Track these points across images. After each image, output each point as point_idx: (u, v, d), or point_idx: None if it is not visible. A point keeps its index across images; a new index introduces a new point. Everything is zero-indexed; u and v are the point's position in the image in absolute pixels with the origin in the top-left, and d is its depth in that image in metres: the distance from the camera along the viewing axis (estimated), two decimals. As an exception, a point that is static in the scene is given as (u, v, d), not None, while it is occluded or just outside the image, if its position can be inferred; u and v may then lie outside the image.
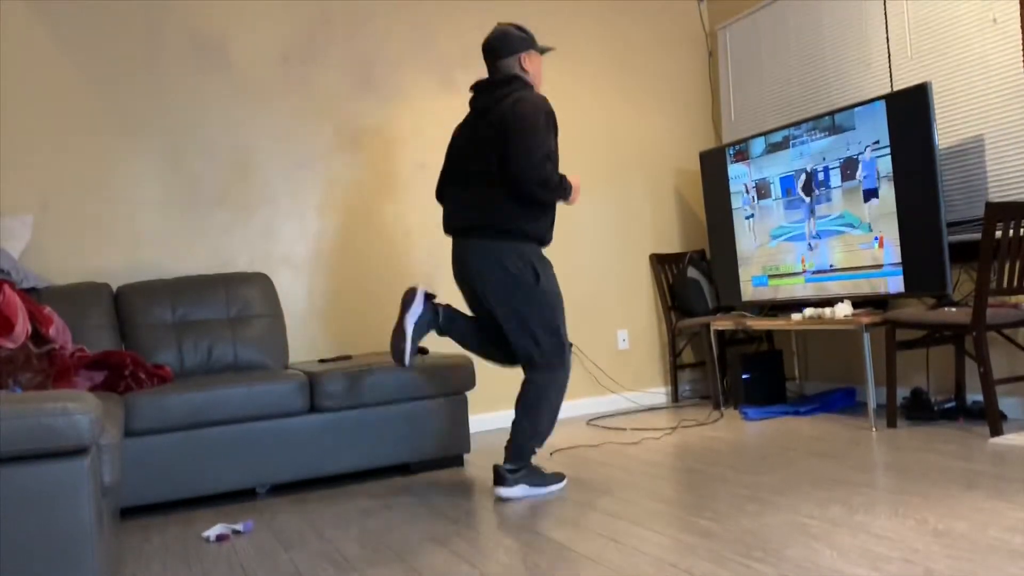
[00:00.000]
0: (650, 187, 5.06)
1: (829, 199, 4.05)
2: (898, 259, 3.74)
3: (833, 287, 4.08)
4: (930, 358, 4.02)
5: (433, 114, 4.52)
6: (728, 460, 3.29)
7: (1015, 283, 3.29)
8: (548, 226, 3.09)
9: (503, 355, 3.18)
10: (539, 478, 3.05)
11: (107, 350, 3.28)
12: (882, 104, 3.76)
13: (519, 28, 3.13)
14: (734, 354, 4.54)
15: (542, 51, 3.18)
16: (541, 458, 3.61)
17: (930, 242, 3.59)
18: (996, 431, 3.25)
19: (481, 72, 4.59)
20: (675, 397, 4.95)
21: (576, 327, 4.80)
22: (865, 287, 3.91)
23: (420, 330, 3.04)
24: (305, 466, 3.34)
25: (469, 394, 4.43)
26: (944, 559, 2.00)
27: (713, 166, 4.75)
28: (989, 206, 3.17)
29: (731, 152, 4.61)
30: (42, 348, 2.93)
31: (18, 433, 1.85)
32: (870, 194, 3.85)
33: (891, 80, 4.04)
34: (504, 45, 3.09)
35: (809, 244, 4.19)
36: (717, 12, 5.17)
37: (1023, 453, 2.98)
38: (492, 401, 4.53)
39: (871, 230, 3.86)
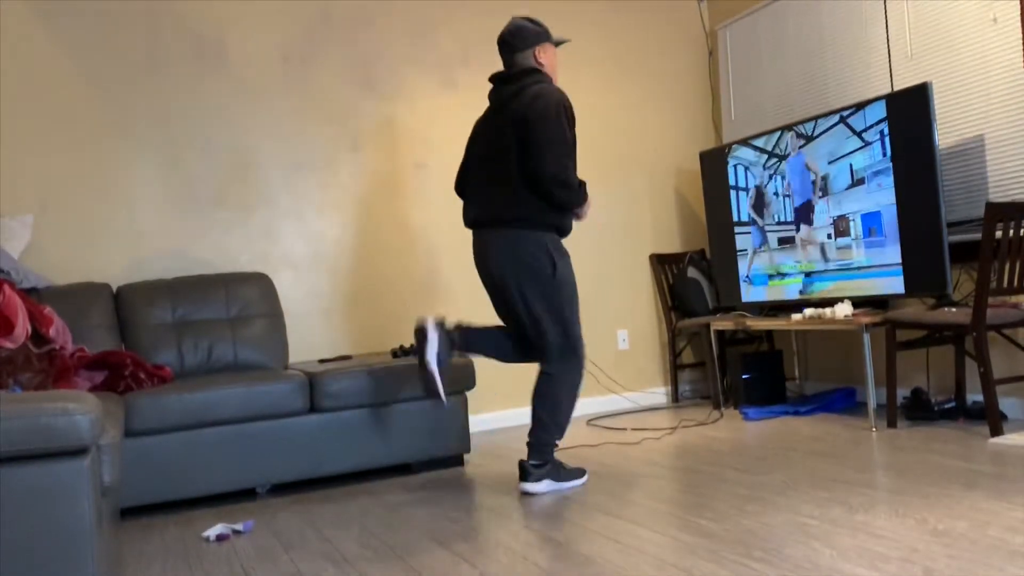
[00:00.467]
0: (650, 187, 5.06)
1: (829, 199, 4.05)
2: (898, 259, 3.74)
3: (833, 287, 4.08)
4: (930, 358, 4.02)
5: (433, 114, 4.52)
6: (728, 460, 3.29)
7: (1015, 283, 3.29)
8: (567, 215, 3.12)
9: (524, 353, 3.21)
10: (563, 473, 3.08)
11: (107, 350, 3.28)
12: (882, 104, 3.76)
13: (533, 21, 3.16)
14: (734, 354, 4.54)
15: (557, 43, 3.22)
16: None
17: (930, 242, 3.59)
18: (996, 431, 3.25)
19: (481, 71, 4.60)
20: (675, 397, 4.95)
21: (576, 327, 4.79)
22: (865, 287, 3.91)
23: (444, 362, 3.06)
24: (305, 466, 3.34)
25: (469, 394, 4.43)
26: (944, 559, 2.00)
27: (713, 166, 4.75)
28: (989, 206, 3.17)
29: (731, 152, 4.61)
30: (42, 348, 2.93)
31: (18, 433, 1.85)
32: (870, 194, 3.85)
33: (891, 80, 4.04)
34: (519, 39, 3.12)
35: (809, 244, 4.19)
36: (717, 12, 5.17)
37: (1023, 453, 2.98)
38: (492, 401, 4.54)
39: (871, 230, 3.86)
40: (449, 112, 4.52)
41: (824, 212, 4.08)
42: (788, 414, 4.20)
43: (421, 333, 3.05)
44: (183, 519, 3.05)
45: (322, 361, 3.88)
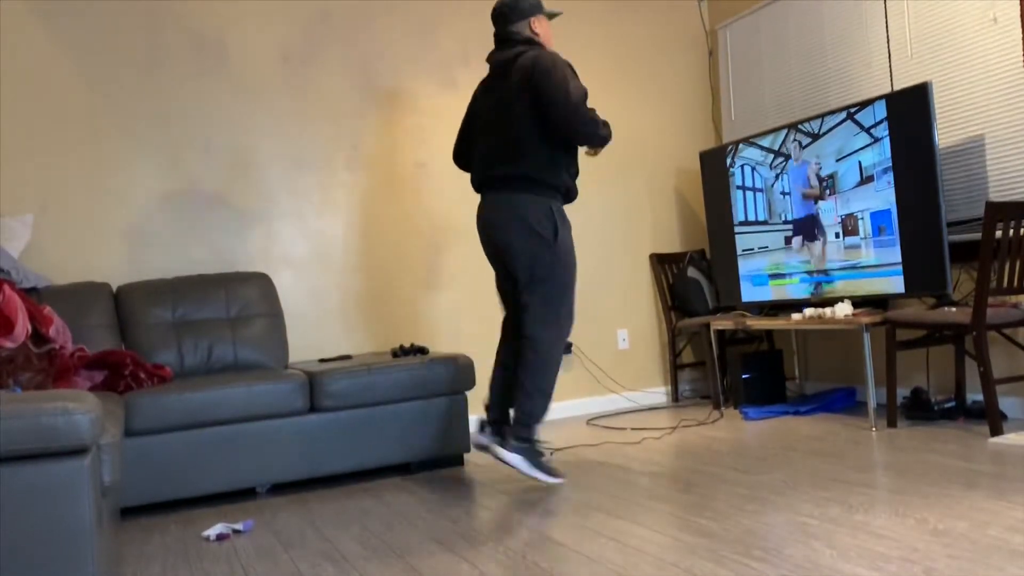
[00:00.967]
0: (650, 187, 5.06)
1: (830, 198, 4.05)
2: (898, 259, 3.74)
3: (833, 287, 4.07)
4: (930, 358, 4.02)
5: (433, 114, 4.52)
6: (728, 460, 3.29)
7: (1015, 283, 3.29)
8: (572, 179, 3.17)
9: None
10: (542, 462, 3.09)
11: (107, 350, 3.28)
12: (882, 104, 3.76)
13: None
14: (734, 354, 4.54)
15: (550, 16, 3.27)
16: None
17: (930, 242, 3.59)
18: (996, 431, 3.25)
19: (481, 71, 4.58)
20: (675, 397, 4.95)
21: (576, 327, 4.79)
22: (865, 287, 3.91)
23: (535, 458, 3.06)
24: (305, 466, 3.34)
25: (469, 394, 4.42)
26: (944, 558, 2.00)
27: (713, 166, 4.75)
28: (989, 206, 3.17)
29: (732, 151, 4.61)
30: (42, 348, 2.93)
31: (18, 433, 1.85)
32: (870, 193, 3.85)
33: (891, 80, 4.04)
34: (514, 10, 3.19)
35: (809, 244, 4.19)
36: (717, 12, 5.16)
37: (1023, 453, 2.98)
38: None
39: (880, 228, 3.86)
40: (449, 112, 4.52)
41: (831, 211, 4.07)
42: (788, 414, 4.20)
43: (501, 460, 3.04)
44: (183, 519, 3.05)
45: (322, 361, 3.88)
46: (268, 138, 4.19)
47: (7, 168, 3.75)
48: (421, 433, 3.52)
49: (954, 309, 3.46)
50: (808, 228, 4.18)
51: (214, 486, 3.21)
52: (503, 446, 3.03)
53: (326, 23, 4.34)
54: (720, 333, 4.71)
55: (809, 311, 3.93)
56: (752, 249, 4.52)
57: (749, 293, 4.59)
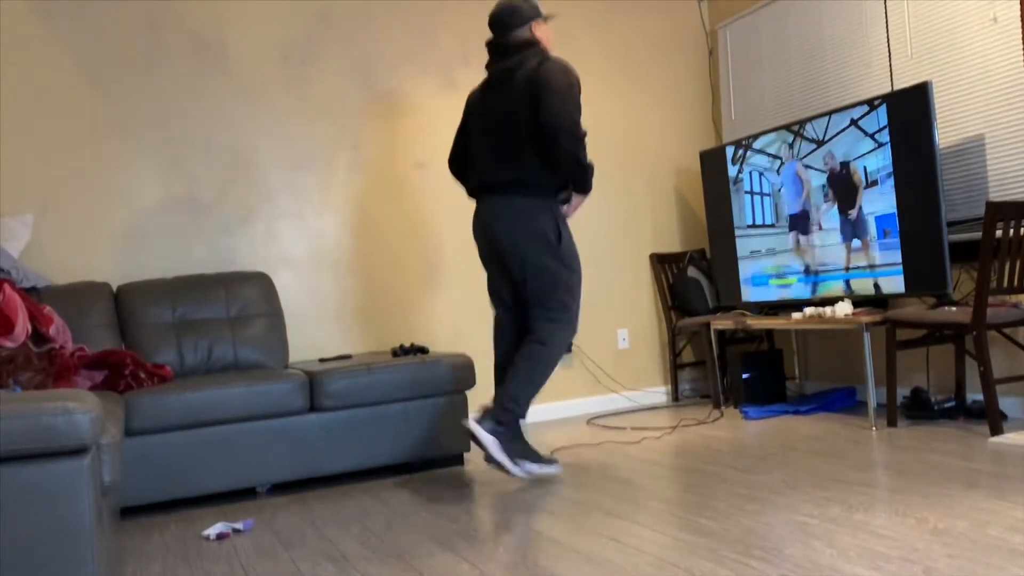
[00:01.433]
0: (650, 187, 5.06)
1: (830, 198, 4.05)
2: (898, 259, 3.74)
3: (833, 286, 4.07)
4: (930, 357, 4.02)
5: (433, 114, 4.52)
6: (728, 459, 3.29)
7: (1015, 283, 3.29)
8: (565, 186, 3.17)
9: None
10: (514, 447, 3.07)
11: (107, 349, 3.28)
12: (882, 104, 3.76)
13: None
14: (734, 353, 4.54)
15: (547, 19, 3.26)
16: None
17: (930, 242, 3.59)
18: (996, 430, 3.25)
19: (481, 71, 4.57)
20: (675, 396, 4.95)
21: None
22: (865, 287, 3.91)
23: (510, 446, 3.04)
24: (305, 466, 3.34)
25: (469, 393, 4.42)
26: (944, 558, 2.00)
27: (713, 166, 4.75)
28: (989, 206, 3.17)
29: (731, 151, 4.61)
30: (42, 348, 2.93)
31: (18, 433, 1.85)
32: (870, 193, 3.85)
33: (891, 80, 4.04)
34: (515, 16, 3.17)
35: (810, 243, 4.19)
36: (717, 12, 5.16)
37: (1023, 452, 2.98)
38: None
39: (885, 231, 3.86)
40: (449, 112, 4.52)
41: (824, 210, 4.07)
42: (788, 413, 4.20)
43: (472, 438, 3.02)
44: (183, 518, 3.05)
45: (322, 361, 3.88)
46: (268, 138, 4.19)
47: (7, 168, 3.75)
48: (421, 433, 3.52)
49: (954, 309, 3.46)
50: (803, 225, 4.18)
51: (214, 486, 3.21)
52: (480, 423, 3.01)
53: (326, 23, 4.34)
54: (720, 333, 4.71)
55: (809, 311, 3.93)
56: (760, 251, 4.52)
57: (749, 293, 4.59)
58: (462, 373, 3.58)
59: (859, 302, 4.01)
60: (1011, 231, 3.23)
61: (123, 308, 3.64)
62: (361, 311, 4.32)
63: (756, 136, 4.43)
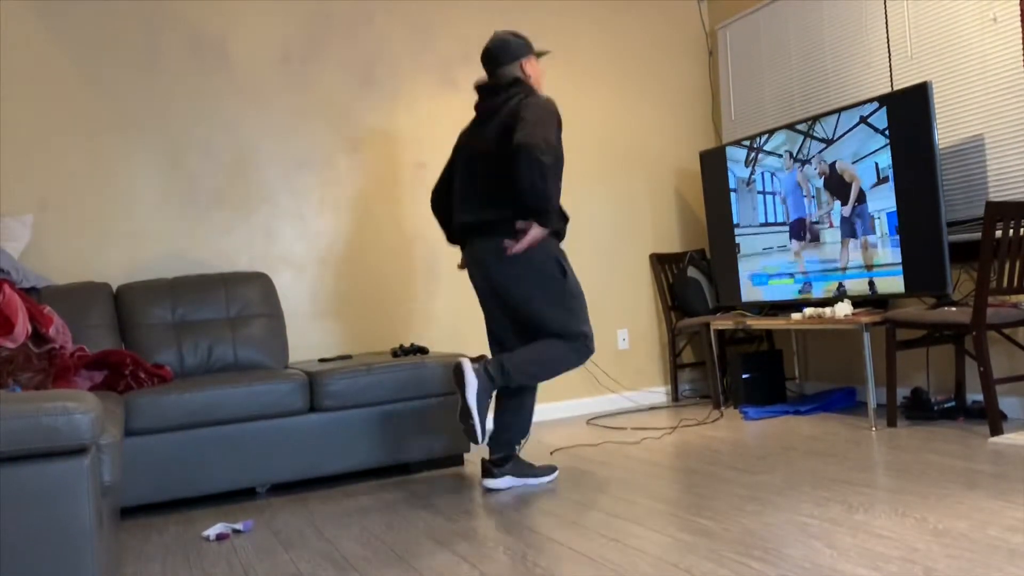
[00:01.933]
0: (650, 187, 5.06)
1: (830, 198, 4.05)
2: (898, 259, 3.74)
3: (833, 287, 4.07)
4: (930, 358, 4.02)
5: (433, 114, 4.52)
6: (728, 460, 3.29)
7: (1015, 283, 3.29)
8: (563, 219, 3.13)
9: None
10: (526, 468, 3.12)
11: (107, 350, 3.28)
12: (873, 107, 3.76)
13: (516, 35, 3.18)
14: (734, 354, 4.54)
15: (538, 55, 3.23)
16: (541, 457, 3.61)
17: (930, 242, 3.59)
18: (996, 431, 3.25)
19: (481, 71, 4.59)
20: (675, 397, 4.95)
21: (576, 327, 4.80)
22: (865, 287, 3.91)
23: (483, 401, 3.00)
24: (305, 466, 3.34)
25: (469, 394, 4.42)
26: (944, 558, 2.00)
27: (713, 166, 4.75)
28: (989, 206, 3.17)
29: (731, 152, 4.61)
30: (42, 348, 2.93)
31: (18, 433, 1.85)
32: (870, 193, 3.85)
33: (891, 80, 4.04)
34: (505, 52, 3.14)
35: (809, 243, 4.19)
36: (717, 12, 5.17)
37: (1023, 453, 2.98)
38: (492, 401, 4.53)
39: (871, 230, 3.86)
40: (449, 112, 4.52)
41: (824, 211, 4.07)
42: (788, 414, 4.20)
43: (459, 373, 2.99)
44: (183, 519, 3.05)
45: (322, 361, 3.88)
46: (268, 138, 4.19)
47: (7, 168, 3.75)
48: (421, 433, 3.52)
49: (954, 309, 3.46)
50: (801, 229, 4.18)
51: (214, 486, 3.21)
52: (488, 476, 3.07)
53: (326, 23, 4.34)
54: (720, 333, 4.71)
55: (809, 311, 3.93)
56: (773, 248, 4.51)
57: (749, 293, 4.59)
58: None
59: (859, 302, 4.01)
60: (1011, 231, 3.23)
61: (123, 308, 3.64)
62: (361, 311, 4.32)
63: (771, 132, 4.43)
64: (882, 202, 3.81)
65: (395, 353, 3.79)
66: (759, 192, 4.51)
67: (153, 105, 4.00)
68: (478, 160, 3.10)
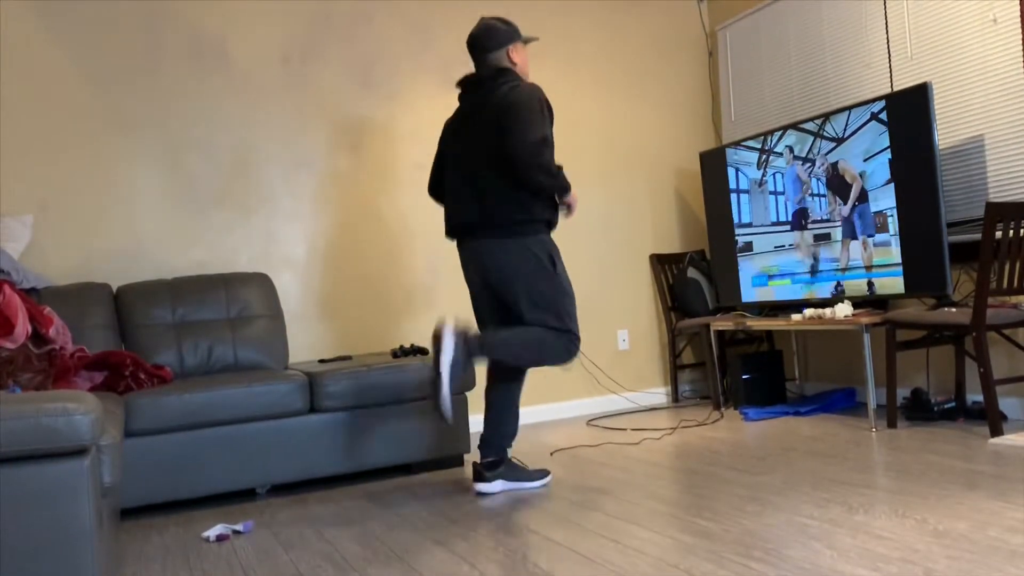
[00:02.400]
0: (650, 187, 5.06)
1: (829, 198, 4.05)
2: (898, 259, 3.74)
3: (833, 287, 4.07)
4: (930, 358, 4.02)
5: (433, 114, 4.52)
6: (728, 460, 3.29)
7: (1015, 283, 3.29)
8: (554, 208, 3.09)
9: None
10: (519, 472, 3.10)
11: (107, 350, 3.28)
12: (882, 104, 3.76)
13: (503, 21, 3.13)
14: (734, 354, 4.54)
15: (525, 41, 3.19)
16: (541, 458, 3.61)
17: (930, 242, 3.59)
18: (996, 431, 3.25)
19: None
20: (675, 397, 4.95)
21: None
22: (865, 287, 3.91)
23: (455, 373, 2.89)
24: (305, 466, 3.34)
25: (469, 394, 4.43)
26: (944, 559, 2.00)
27: (713, 166, 4.75)
28: (989, 206, 3.17)
29: (731, 152, 4.61)
30: (42, 348, 2.93)
31: (18, 433, 1.85)
32: (870, 194, 3.85)
33: (891, 80, 4.05)
34: (491, 39, 3.08)
35: (809, 243, 4.19)
36: (717, 12, 5.17)
37: (1023, 453, 2.98)
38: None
39: (871, 230, 3.86)
40: (449, 112, 4.51)
41: (824, 211, 4.07)
42: (788, 414, 4.20)
43: (438, 336, 2.91)
44: (183, 519, 3.05)
45: (322, 361, 3.88)
46: (268, 138, 4.19)
47: (7, 168, 3.75)
48: (421, 434, 3.52)
49: (954, 309, 3.46)
50: (802, 219, 4.18)
51: (214, 487, 3.21)
52: (480, 481, 3.05)
53: (326, 23, 4.34)
54: (720, 334, 4.71)
55: (809, 311, 3.93)
56: (785, 245, 4.50)
57: (749, 293, 4.59)
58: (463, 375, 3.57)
59: (859, 303, 4.01)
60: (1011, 232, 3.23)
61: (123, 309, 3.64)
62: (361, 312, 4.32)
63: (756, 136, 4.42)
64: (883, 202, 3.81)
65: (395, 354, 3.79)
66: (771, 193, 4.49)
67: (153, 105, 4.00)
68: (469, 161, 3.06)
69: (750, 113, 4.92)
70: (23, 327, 2.83)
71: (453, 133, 3.17)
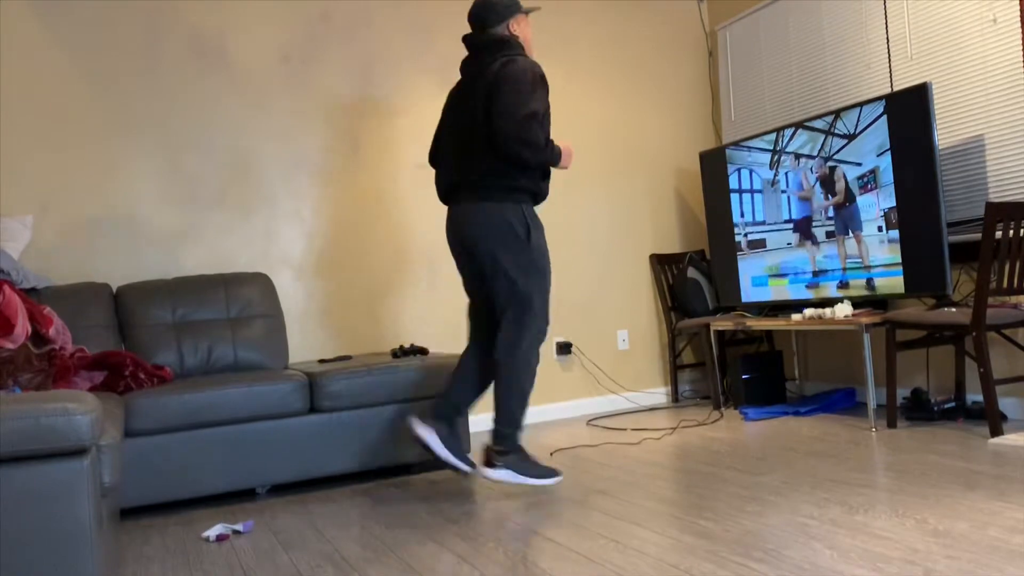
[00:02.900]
0: (650, 187, 5.06)
1: (829, 198, 4.05)
2: (898, 259, 3.74)
3: (833, 287, 4.08)
4: (930, 358, 4.02)
5: (433, 114, 4.52)
6: (728, 460, 3.29)
7: (1015, 283, 3.29)
8: (540, 178, 3.06)
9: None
10: (528, 467, 3.03)
11: (107, 350, 3.28)
12: (882, 104, 3.76)
13: None
14: (734, 354, 4.54)
15: (527, 12, 3.17)
16: (541, 458, 3.60)
17: (930, 242, 3.59)
18: (996, 431, 3.25)
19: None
20: (675, 397, 4.95)
21: (576, 327, 4.80)
22: (865, 287, 3.91)
23: (453, 444, 3.05)
24: (305, 466, 3.34)
25: (469, 394, 4.42)
26: (944, 559, 2.00)
27: (713, 166, 4.75)
28: (989, 206, 3.17)
29: (731, 152, 4.61)
30: (42, 348, 2.93)
31: (18, 433, 1.85)
32: (870, 194, 3.85)
33: (891, 80, 4.05)
34: (492, 13, 3.08)
35: (809, 244, 4.19)
36: (717, 12, 5.17)
37: (1023, 453, 2.98)
38: (492, 401, 4.52)
39: (871, 230, 3.86)
40: (449, 112, 4.52)
41: (824, 211, 4.07)
42: (788, 414, 4.20)
43: (416, 438, 3.03)
44: (183, 519, 3.05)
45: (322, 361, 3.88)
46: (268, 138, 4.19)
47: (7, 168, 3.75)
48: (421, 433, 3.52)
49: (954, 309, 3.46)
50: (805, 228, 4.18)
51: (214, 486, 3.21)
52: (488, 465, 3.00)
53: (326, 23, 4.34)
54: (720, 334, 4.71)
55: (809, 311, 3.93)
56: (791, 243, 4.50)
57: (749, 293, 4.59)
58: (462, 374, 3.58)
59: (859, 303, 4.01)
60: (1011, 232, 3.23)
61: (123, 309, 3.64)
62: (361, 312, 4.32)
63: (756, 136, 4.42)
64: (883, 202, 3.81)
65: (395, 354, 3.79)
66: (783, 192, 4.47)
67: (153, 105, 3.99)
68: (459, 123, 3.08)
69: (750, 113, 4.92)
70: (23, 327, 2.83)
71: (452, 101, 3.19)
